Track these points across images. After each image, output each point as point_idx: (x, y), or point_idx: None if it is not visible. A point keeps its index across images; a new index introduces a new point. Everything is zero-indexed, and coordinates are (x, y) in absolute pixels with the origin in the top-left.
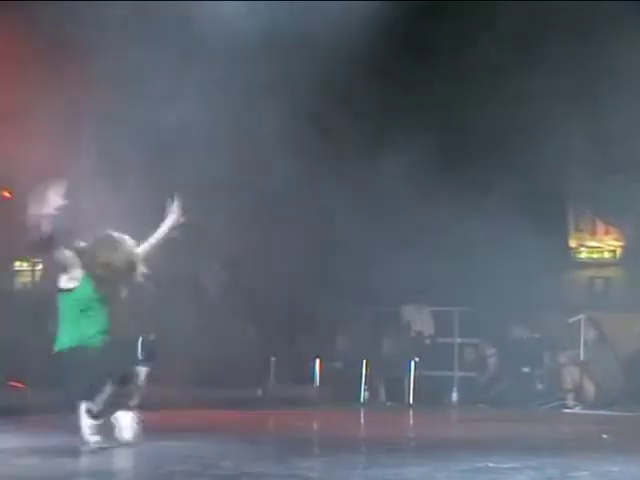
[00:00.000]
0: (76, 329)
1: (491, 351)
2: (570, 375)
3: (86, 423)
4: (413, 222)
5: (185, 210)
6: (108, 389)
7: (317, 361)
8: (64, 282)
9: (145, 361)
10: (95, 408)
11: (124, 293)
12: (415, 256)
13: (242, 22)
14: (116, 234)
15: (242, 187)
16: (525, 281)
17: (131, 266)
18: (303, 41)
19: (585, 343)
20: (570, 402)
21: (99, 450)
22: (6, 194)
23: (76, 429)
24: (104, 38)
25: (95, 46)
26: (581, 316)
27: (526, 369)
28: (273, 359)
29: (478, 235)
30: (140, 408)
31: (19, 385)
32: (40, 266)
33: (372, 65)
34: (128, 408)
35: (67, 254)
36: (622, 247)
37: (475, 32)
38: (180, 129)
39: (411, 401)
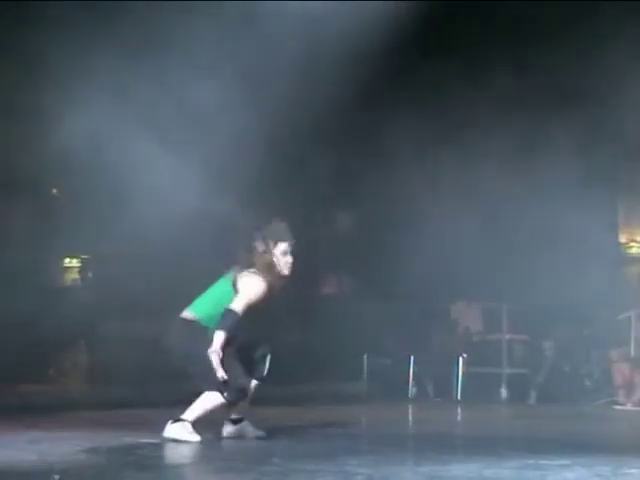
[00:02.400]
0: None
1: (548, 344)
2: (620, 372)
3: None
4: (462, 219)
5: None
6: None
7: (365, 357)
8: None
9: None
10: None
11: None
12: (464, 252)
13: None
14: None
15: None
16: (574, 277)
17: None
18: None
19: (636, 339)
20: (621, 399)
21: (148, 446)
22: (55, 192)
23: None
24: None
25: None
26: (631, 312)
27: (575, 366)
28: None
29: (527, 231)
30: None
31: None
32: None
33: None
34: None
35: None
36: None
37: None
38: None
39: (459, 398)
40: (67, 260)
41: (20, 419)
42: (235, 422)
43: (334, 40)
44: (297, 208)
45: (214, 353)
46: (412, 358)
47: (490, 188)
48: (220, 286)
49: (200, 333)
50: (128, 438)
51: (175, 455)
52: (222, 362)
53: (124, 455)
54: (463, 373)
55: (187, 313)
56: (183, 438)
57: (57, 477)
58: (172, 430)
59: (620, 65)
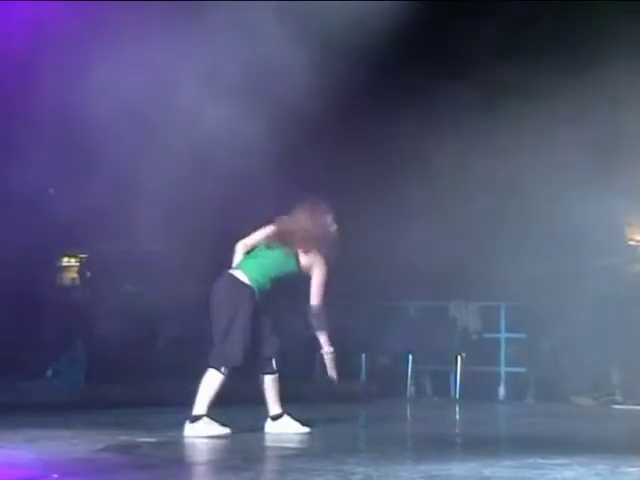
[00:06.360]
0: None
1: (546, 344)
2: (619, 370)
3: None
4: (460, 219)
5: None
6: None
7: (363, 356)
8: None
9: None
10: None
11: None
12: (462, 251)
13: None
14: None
15: None
16: (573, 275)
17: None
18: None
19: (634, 338)
20: (619, 398)
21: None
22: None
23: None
24: None
25: None
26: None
27: (574, 364)
28: (319, 353)
29: (525, 230)
30: None
31: None
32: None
33: None
34: None
35: None
36: None
37: None
38: None
39: (458, 396)
40: (65, 259)
41: (17, 417)
42: (274, 418)
43: None
44: None
45: (328, 354)
46: (410, 357)
47: (489, 187)
48: (280, 258)
49: (246, 299)
50: (126, 437)
51: (173, 454)
52: (234, 328)
53: (122, 454)
54: (461, 372)
55: (241, 273)
56: (210, 434)
57: (55, 476)
58: (194, 429)
59: (621, 66)
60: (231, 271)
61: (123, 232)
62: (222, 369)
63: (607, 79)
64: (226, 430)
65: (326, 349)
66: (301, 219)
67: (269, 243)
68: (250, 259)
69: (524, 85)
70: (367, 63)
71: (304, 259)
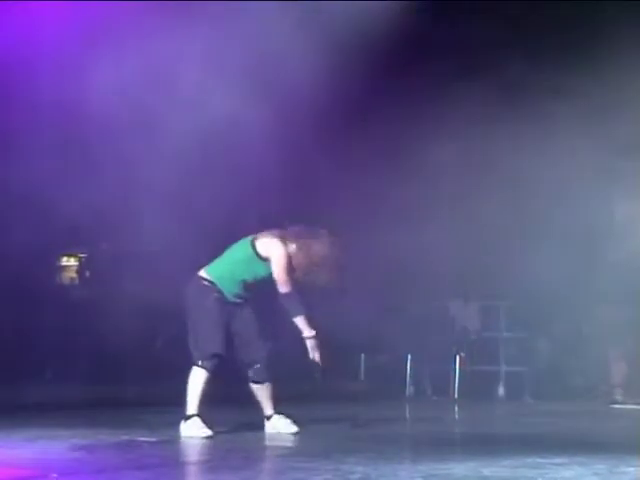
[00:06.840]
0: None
1: (545, 342)
2: (619, 369)
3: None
4: (459, 217)
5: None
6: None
7: (363, 356)
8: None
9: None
10: None
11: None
12: (462, 251)
13: None
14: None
15: None
16: (572, 275)
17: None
18: None
19: (633, 337)
20: (619, 397)
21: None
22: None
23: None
24: None
25: None
26: (629, 309)
27: (573, 363)
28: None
29: (525, 230)
30: None
31: None
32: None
33: None
34: None
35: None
36: None
37: None
38: None
39: (457, 396)
40: (64, 259)
41: (17, 417)
42: (268, 418)
43: None
44: None
45: (310, 339)
46: (409, 356)
47: (486, 186)
48: (251, 263)
49: (207, 295)
50: (126, 437)
51: (173, 454)
52: (200, 324)
53: (122, 453)
54: (461, 371)
55: (203, 272)
56: (195, 435)
57: (55, 475)
58: (186, 429)
59: (615, 62)
60: (199, 272)
61: (123, 232)
62: (199, 362)
63: (622, 78)
64: (207, 432)
65: (306, 333)
66: (304, 249)
67: (245, 245)
68: (220, 261)
69: (542, 83)
70: (372, 63)
71: (262, 249)
